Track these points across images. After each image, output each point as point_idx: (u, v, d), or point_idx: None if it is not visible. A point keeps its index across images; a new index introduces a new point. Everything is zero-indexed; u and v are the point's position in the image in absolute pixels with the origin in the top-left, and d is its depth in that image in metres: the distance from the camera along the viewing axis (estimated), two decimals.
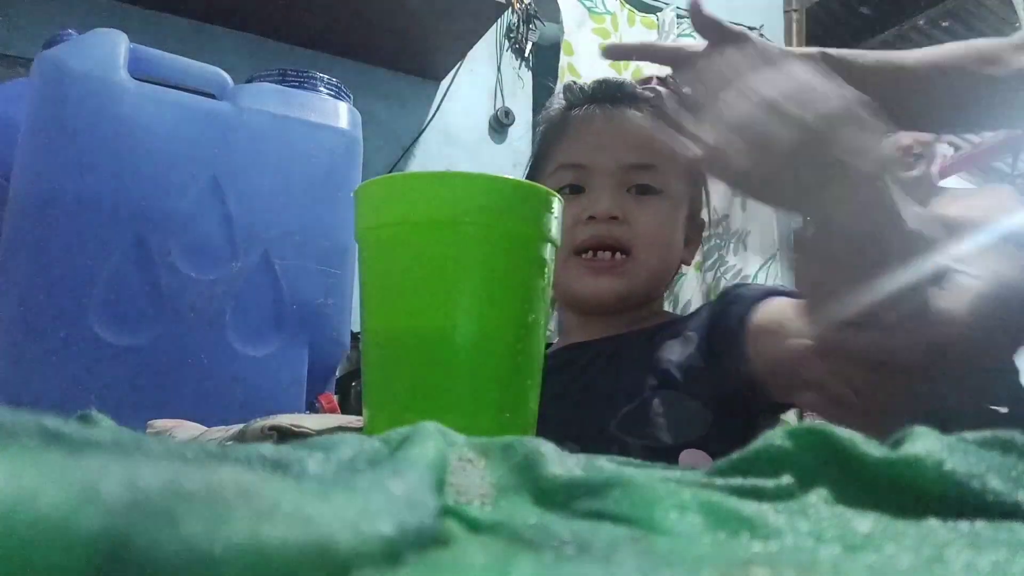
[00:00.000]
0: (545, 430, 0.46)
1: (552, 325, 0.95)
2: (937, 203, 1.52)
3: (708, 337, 0.65)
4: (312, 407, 1.11)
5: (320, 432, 0.48)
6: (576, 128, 0.77)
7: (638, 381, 0.65)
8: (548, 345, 0.70)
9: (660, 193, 0.72)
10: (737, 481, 0.20)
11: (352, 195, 0.41)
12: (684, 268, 0.85)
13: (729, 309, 0.64)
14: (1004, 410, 0.97)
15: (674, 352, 0.67)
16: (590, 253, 0.71)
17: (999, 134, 1.99)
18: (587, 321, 0.77)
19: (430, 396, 0.38)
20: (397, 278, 0.39)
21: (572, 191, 0.74)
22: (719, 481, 0.21)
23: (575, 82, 0.81)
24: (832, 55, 0.62)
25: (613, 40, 2.00)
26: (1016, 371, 1.08)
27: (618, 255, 0.71)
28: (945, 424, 0.23)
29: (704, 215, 0.81)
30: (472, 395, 0.38)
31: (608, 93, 0.77)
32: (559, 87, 0.95)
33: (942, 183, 1.95)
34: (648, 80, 0.79)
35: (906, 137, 1.66)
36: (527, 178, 0.80)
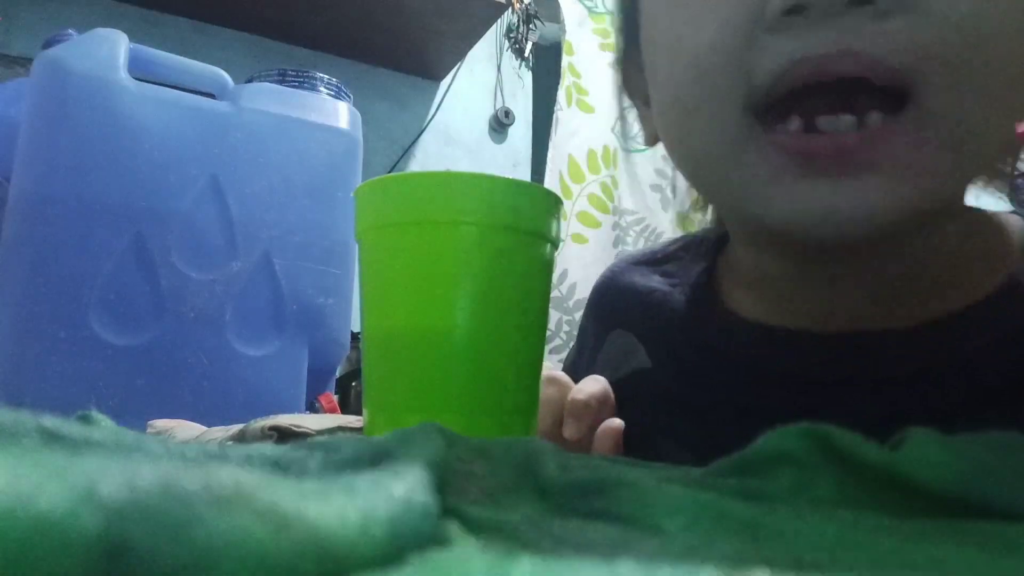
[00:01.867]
0: None
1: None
2: None
3: None
4: (312, 407, 1.11)
5: (320, 432, 0.48)
6: None
7: None
8: (731, 321, 0.41)
9: None
10: (737, 481, 0.20)
11: (352, 195, 0.41)
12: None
13: None
14: None
15: None
16: (796, 122, 0.30)
17: None
18: (801, 278, 0.37)
19: (430, 396, 0.38)
20: (397, 278, 0.39)
21: None
22: (719, 481, 0.21)
23: None
24: None
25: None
26: None
27: (874, 117, 0.29)
28: None
29: None
30: (472, 396, 0.38)
31: None
32: None
33: None
34: None
35: None
36: None
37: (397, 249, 0.39)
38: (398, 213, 0.39)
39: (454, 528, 0.17)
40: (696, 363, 0.42)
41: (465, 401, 0.38)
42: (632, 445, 0.41)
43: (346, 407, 1.27)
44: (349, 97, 1.31)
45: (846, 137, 0.29)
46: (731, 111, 0.31)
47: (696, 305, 0.44)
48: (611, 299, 0.51)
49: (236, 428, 0.51)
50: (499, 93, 2.22)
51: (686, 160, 0.37)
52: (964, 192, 0.35)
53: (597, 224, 1.86)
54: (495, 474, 0.21)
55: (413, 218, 0.38)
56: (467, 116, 2.18)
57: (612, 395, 0.42)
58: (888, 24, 0.28)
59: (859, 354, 0.35)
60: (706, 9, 0.31)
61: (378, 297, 0.40)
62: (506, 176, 0.39)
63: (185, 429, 0.61)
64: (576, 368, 0.52)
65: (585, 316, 0.56)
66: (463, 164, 2.12)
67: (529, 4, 2.20)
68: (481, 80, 2.21)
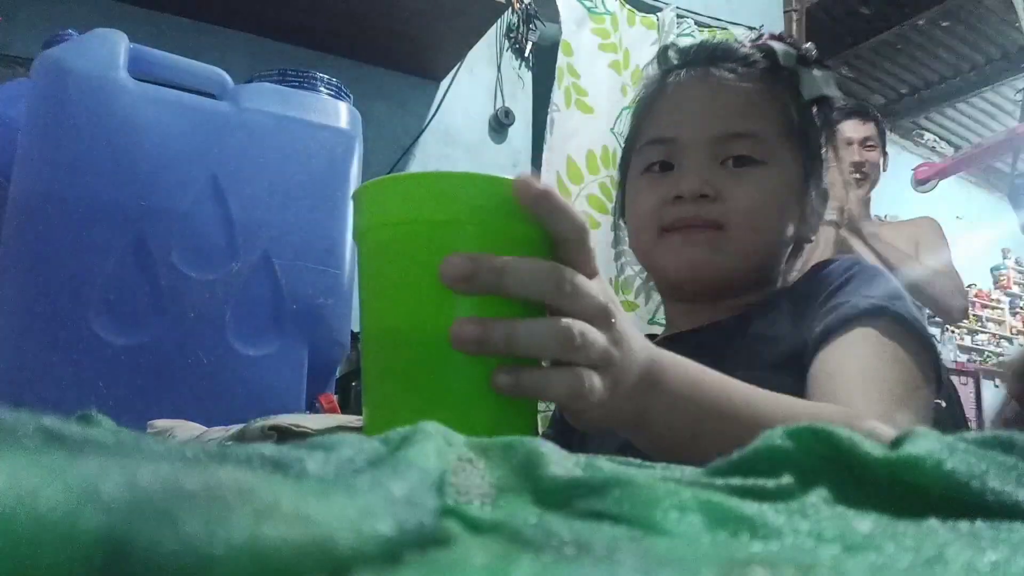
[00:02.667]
0: None
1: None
2: (868, 226, 1.61)
3: (803, 319, 0.63)
4: (312, 407, 1.11)
5: (320, 432, 0.48)
6: (666, 97, 0.72)
7: (747, 366, 0.56)
8: (652, 337, 0.64)
9: (762, 164, 0.66)
10: (737, 481, 0.20)
11: (351, 195, 0.41)
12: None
13: (828, 318, 0.59)
14: None
15: (772, 328, 0.64)
16: (678, 235, 0.66)
17: (999, 134, 1.99)
18: (691, 308, 0.71)
19: (429, 396, 0.38)
20: (396, 278, 0.39)
21: (662, 168, 0.69)
22: (719, 481, 0.21)
23: (671, 44, 0.76)
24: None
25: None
26: None
27: (709, 231, 0.65)
28: None
29: (828, 182, 0.73)
30: (471, 395, 0.38)
31: (705, 55, 0.71)
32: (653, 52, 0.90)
33: (943, 183, 1.95)
34: (760, 38, 0.73)
35: (854, 153, 1.72)
36: (622, 157, 0.78)
37: (396, 249, 0.39)
38: (398, 213, 0.39)
39: (454, 528, 0.17)
40: None
41: (464, 401, 0.38)
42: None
43: (346, 407, 1.27)
44: (349, 97, 1.31)
45: (704, 235, 0.66)
46: (652, 232, 0.69)
47: None
48: None
49: (236, 428, 0.51)
50: (499, 93, 2.22)
51: (637, 249, 0.75)
52: (760, 269, 0.70)
53: (596, 225, 1.86)
54: (495, 474, 0.21)
55: (412, 218, 0.38)
56: (467, 116, 2.18)
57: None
58: (713, 205, 0.65)
59: (703, 335, 0.69)
60: (643, 199, 0.70)
61: (377, 297, 0.40)
62: (506, 176, 0.39)
63: (185, 429, 0.61)
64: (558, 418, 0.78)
65: None
66: (463, 164, 2.12)
67: (529, 4, 2.20)
68: (481, 80, 2.21)
